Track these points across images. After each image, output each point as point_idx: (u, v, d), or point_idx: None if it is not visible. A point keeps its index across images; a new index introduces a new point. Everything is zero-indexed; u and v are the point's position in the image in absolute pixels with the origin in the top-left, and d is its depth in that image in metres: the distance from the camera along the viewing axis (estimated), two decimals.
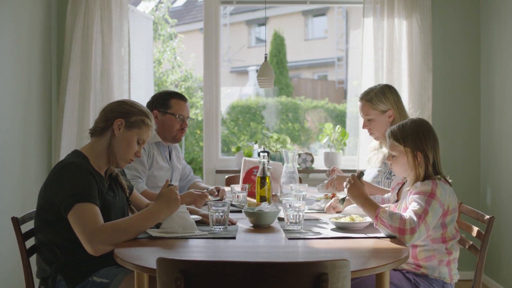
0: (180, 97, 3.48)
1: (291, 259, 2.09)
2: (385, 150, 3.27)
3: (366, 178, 3.36)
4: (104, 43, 4.34)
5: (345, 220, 2.56)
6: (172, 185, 2.41)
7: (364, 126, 3.33)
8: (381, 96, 3.25)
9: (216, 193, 3.40)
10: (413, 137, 2.50)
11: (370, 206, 2.43)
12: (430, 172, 2.47)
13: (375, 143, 3.42)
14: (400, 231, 2.27)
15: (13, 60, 3.86)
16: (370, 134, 3.34)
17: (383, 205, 2.43)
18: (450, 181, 2.51)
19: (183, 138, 9.12)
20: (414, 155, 2.48)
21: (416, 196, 2.39)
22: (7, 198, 3.76)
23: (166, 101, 3.43)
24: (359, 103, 3.34)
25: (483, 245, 2.55)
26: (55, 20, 4.52)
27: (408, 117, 3.26)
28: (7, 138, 3.78)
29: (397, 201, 2.65)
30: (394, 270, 2.49)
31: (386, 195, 2.87)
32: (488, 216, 2.58)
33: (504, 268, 4.29)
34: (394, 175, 3.12)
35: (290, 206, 2.48)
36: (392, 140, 2.55)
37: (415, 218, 2.29)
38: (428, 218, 2.32)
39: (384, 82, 4.41)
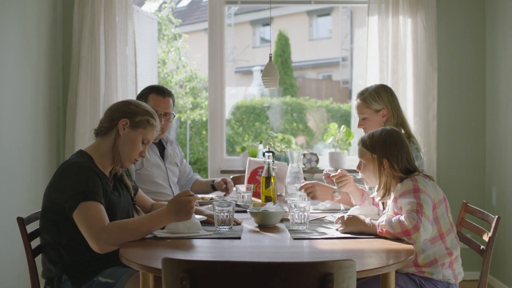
0: (158, 92, 3.37)
1: (297, 259, 2.09)
2: None
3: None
4: (111, 44, 4.35)
5: None
6: (193, 195, 2.34)
7: (359, 125, 3.38)
8: (375, 96, 3.29)
9: (224, 185, 3.40)
10: (380, 145, 2.53)
11: (369, 226, 2.40)
12: (398, 178, 2.48)
13: None
14: (405, 233, 2.26)
15: (21, 61, 3.86)
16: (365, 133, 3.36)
17: (380, 219, 2.41)
18: (429, 175, 2.51)
19: (188, 138, 9.16)
20: (380, 162, 2.50)
21: (403, 197, 2.39)
22: (16, 200, 3.77)
23: (145, 96, 3.38)
24: (354, 102, 3.40)
25: (488, 245, 2.54)
26: (61, 21, 4.53)
27: (403, 117, 3.33)
28: (16, 139, 3.78)
29: (383, 209, 2.67)
30: (400, 272, 2.49)
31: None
32: (494, 216, 2.58)
33: (510, 268, 4.27)
34: None
35: (295, 206, 2.48)
36: (361, 147, 2.60)
37: (413, 214, 2.29)
38: (425, 210, 2.31)
39: (389, 81, 4.40)
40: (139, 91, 4.53)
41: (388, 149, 2.51)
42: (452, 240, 2.48)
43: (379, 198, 2.55)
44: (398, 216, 2.34)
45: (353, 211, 2.74)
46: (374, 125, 3.28)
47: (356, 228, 2.43)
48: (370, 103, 3.28)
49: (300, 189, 3.05)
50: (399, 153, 2.51)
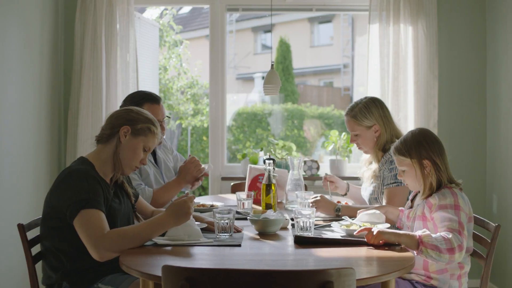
0: (152, 100, 3.32)
1: (297, 267, 2.09)
2: (374, 166, 3.21)
3: (363, 195, 3.32)
4: (112, 51, 4.37)
5: (355, 227, 2.54)
6: (188, 195, 2.37)
7: (351, 141, 3.28)
8: (365, 112, 3.18)
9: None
10: (416, 147, 2.48)
11: (406, 236, 2.30)
12: (444, 179, 2.45)
13: (367, 156, 3.37)
14: (450, 251, 2.22)
15: (23, 68, 3.87)
16: (359, 148, 3.28)
17: (418, 232, 2.33)
18: (461, 186, 2.49)
19: (189, 145, 9.16)
20: (422, 165, 2.47)
21: (443, 211, 2.35)
22: (17, 206, 3.77)
23: (139, 106, 3.20)
24: (345, 118, 3.28)
25: (489, 253, 2.54)
26: (63, 28, 4.54)
27: (397, 129, 3.23)
28: (17, 145, 3.79)
29: (411, 207, 2.63)
30: (403, 279, 2.48)
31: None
32: (494, 224, 2.58)
33: (510, 276, 4.26)
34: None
35: (300, 213, 2.48)
36: (398, 156, 2.54)
37: (458, 235, 2.26)
38: (465, 232, 2.30)
39: (390, 89, 4.41)
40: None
41: (427, 149, 2.47)
42: (465, 257, 2.47)
43: (423, 197, 2.48)
44: (439, 233, 2.29)
45: (361, 217, 2.68)
46: (367, 141, 3.21)
47: (393, 238, 2.30)
48: (361, 120, 3.18)
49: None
50: (440, 151, 2.48)
